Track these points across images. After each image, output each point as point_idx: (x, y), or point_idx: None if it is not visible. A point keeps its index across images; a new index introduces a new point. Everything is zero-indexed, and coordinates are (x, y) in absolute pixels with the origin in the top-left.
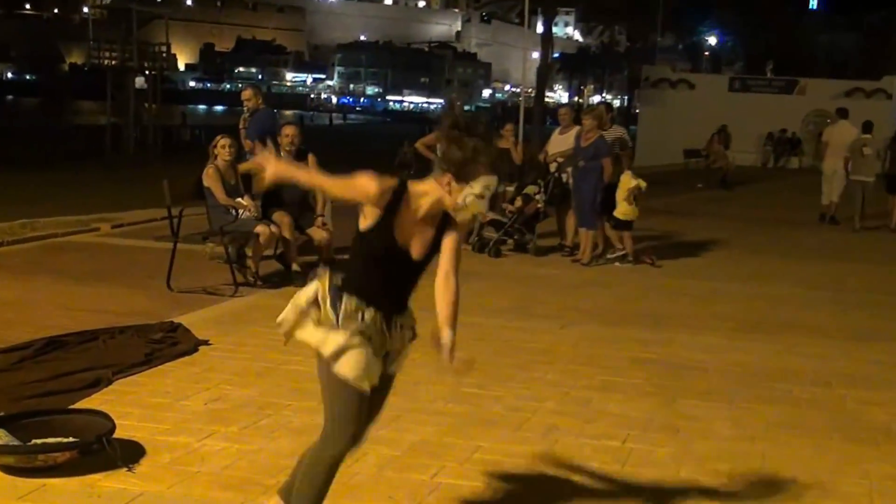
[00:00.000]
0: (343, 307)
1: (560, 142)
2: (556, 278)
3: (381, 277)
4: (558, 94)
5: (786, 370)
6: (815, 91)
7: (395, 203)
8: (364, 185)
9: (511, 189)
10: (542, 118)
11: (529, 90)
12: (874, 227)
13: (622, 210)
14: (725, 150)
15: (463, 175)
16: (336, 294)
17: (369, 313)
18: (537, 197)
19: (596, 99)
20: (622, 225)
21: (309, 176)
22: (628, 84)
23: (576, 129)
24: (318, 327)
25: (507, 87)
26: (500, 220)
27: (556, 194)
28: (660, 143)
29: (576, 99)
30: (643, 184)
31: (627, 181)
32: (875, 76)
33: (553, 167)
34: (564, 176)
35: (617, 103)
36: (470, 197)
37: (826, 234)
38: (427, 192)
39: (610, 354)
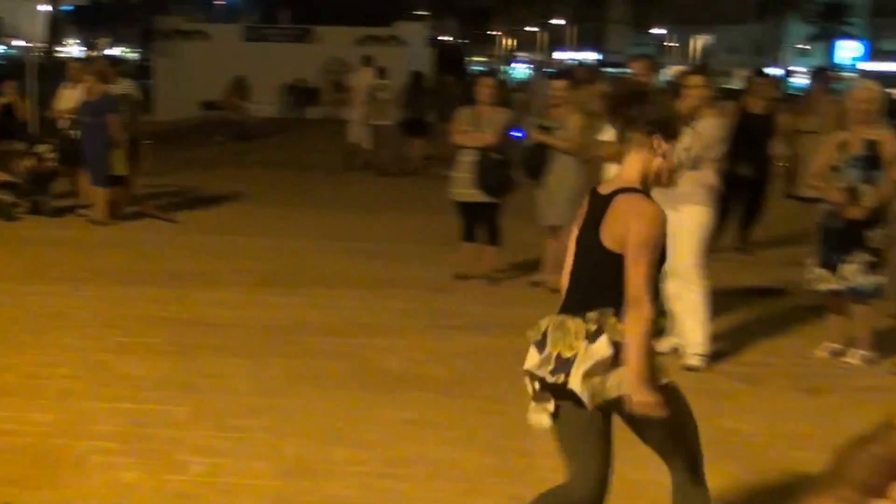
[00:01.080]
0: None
1: (69, 97)
2: (71, 239)
3: None
4: (72, 49)
5: (305, 322)
6: (330, 39)
7: None
8: (660, 237)
9: (21, 147)
10: (56, 74)
11: (41, 44)
12: (397, 172)
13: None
14: (243, 101)
15: (671, 132)
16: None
17: None
18: (49, 156)
19: (110, 52)
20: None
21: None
22: (142, 36)
23: (84, 84)
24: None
25: (18, 42)
26: (11, 182)
27: (69, 152)
28: (177, 96)
29: (89, 53)
30: None
31: None
32: (387, 22)
33: (63, 124)
34: (74, 133)
35: (135, 56)
36: (683, 152)
37: (351, 182)
38: (645, 171)
39: (126, 315)
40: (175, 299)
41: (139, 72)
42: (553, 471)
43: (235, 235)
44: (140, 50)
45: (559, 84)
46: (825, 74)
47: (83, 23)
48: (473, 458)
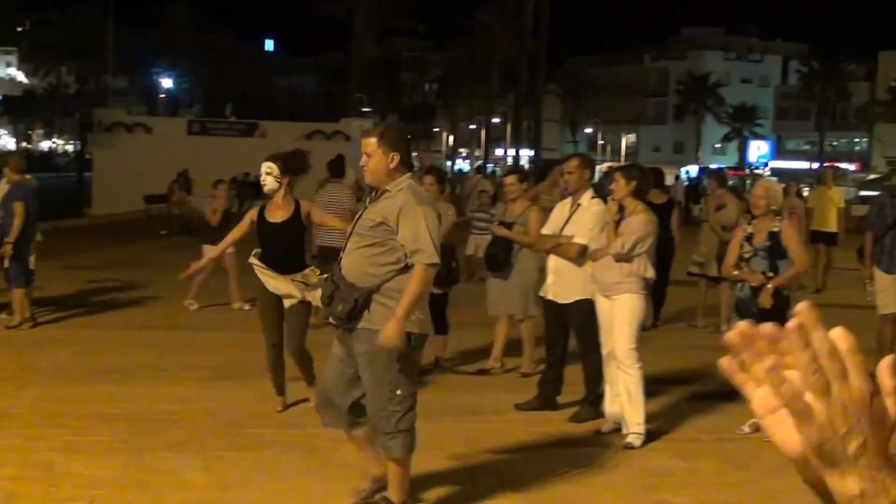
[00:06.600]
0: None
1: None
2: (8, 338)
3: None
4: (4, 140)
5: (258, 414)
6: (276, 134)
7: None
8: None
9: None
10: None
11: None
12: None
13: None
14: (188, 195)
15: None
16: None
17: None
18: None
19: (46, 144)
20: None
21: None
22: (80, 128)
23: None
24: None
25: None
26: None
27: None
28: (118, 188)
29: (23, 144)
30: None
31: None
32: (334, 118)
33: None
34: None
35: (70, 148)
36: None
37: None
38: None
39: (73, 413)
40: (123, 395)
41: (78, 163)
42: None
43: (183, 330)
44: (77, 142)
45: (511, 179)
46: (720, 174)
47: (15, 113)
48: None
